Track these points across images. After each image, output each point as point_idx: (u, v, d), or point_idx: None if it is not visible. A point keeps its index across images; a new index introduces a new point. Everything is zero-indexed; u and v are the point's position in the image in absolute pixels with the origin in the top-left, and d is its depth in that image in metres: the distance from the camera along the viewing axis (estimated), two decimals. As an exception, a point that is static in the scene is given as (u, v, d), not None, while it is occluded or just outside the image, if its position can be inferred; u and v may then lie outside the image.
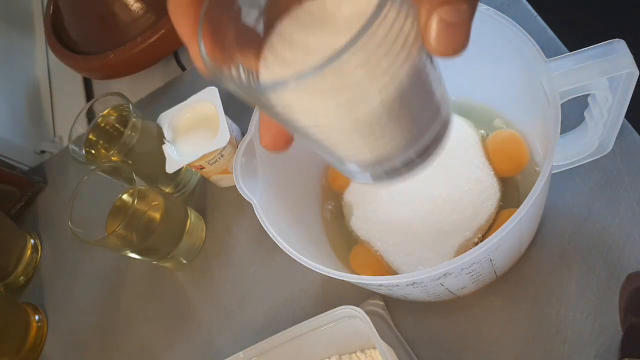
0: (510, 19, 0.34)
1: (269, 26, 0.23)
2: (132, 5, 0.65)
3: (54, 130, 0.79)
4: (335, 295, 0.50)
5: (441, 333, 0.44)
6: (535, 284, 0.43)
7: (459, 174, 0.41)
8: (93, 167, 0.53)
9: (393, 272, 0.43)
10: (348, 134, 0.21)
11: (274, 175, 0.41)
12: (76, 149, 0.56)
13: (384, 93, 0.19)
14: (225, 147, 0.52)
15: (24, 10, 0.89)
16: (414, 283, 0.34)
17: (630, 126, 0.44)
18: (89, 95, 0.80)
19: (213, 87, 0.54)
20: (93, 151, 0.58)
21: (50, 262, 0.67)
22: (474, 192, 0.40)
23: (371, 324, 0.37)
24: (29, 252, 0.67)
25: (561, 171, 0.42)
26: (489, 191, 0.41)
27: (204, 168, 0.54)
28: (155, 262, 0.57)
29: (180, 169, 0.54)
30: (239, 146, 0.39)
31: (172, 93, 0.69)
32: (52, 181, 0.73)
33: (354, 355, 0.44)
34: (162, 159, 0.53)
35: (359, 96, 0.19)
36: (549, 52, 0.32)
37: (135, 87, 0.73)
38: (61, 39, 0.72)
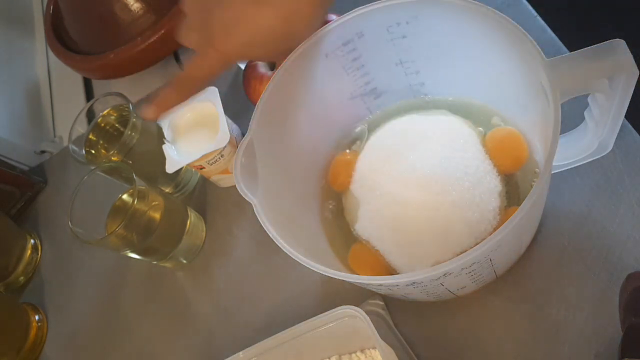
0: (510, 19, 0.34)
1: None
2: (132, 5, 0.65)
3: (54, 130, 0.79)
4: (335, 295, 0.50)
5: (441, 333, 0.44)
6: (535, 284, 0.43)
7: (460, 175, 0.41)
8: (93, 167, 0.53)
9: (393, 272, 0.43)
10: None
11: (274, 175, 0.41)
12: (76, 149, 0.56)
13: None
14: (225, 147, 0.52)
15: (24, 10, 0.89)
16: (414, 283, 0.34)
17: (630, 126, 0.44)
18: (89, 95, 0.80)
19: (213, 87, 0.54)
20: (93, 151, 0.58)
21: (50, 262, 0.67)
22: (476, 194, 0.40)
23: (371, 324, 0.37)
24: (29, 252, 0.66)
25: (561, 171, 0.42)
26: (492, 193, 0.41)
27: (204, 168, 0.54)
28: (155, 262, 0.57)
29: (180, 169, 0.54)
30: (239, 146, 0.39)
31: (172, 93, 0.69)
32: (52, 181, 0.73)
33: (354, 355, 0.44)
34: (162, 159, 0.53)
35: None
36: (549, 52, 0.32)
37: (135, 87, 0.73)
38: (61, 39, 0.72)
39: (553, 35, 0.50)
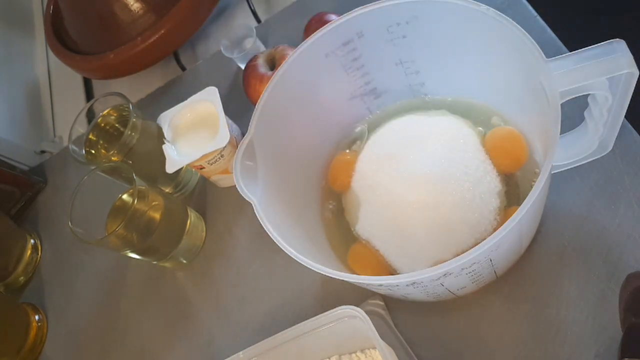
0: (510, 19, 0.34)
1: None
2: (132, 5, 0.65)
3: (54, 130, 0.79)
4: (335, 295, 0.50)
5: (441, 333, 0.44)
6: (535, 284, 0.43)
7: (460, 176, 0.41)
8: (93, 167, 0.53)
9: (393, 272, 0.43)
10: None
11: (274, 175, 0.41)
12: (76, 149, 0.56)
13: None
14: (225, 147, 0.52)
15: (24, 10, 0.89)
16: (414, 283, 0.34)
17: (630, 126, 0.45)
18: (89, 95, 0.80)
19: (213, 87, 0.54)
20: (93, 151, 0.58)
21: (50, 262, 0.67)
22: (476, 194, 0.40)
23: (371, 324, 0.37)
24: (29, 252, 0.66)
25: (561, 171, 0.42)
26: (492, 193, 0.41)
27: (204, 168, 0.54)
28: (155, 262, 0.57)
29: (180, 169, 0.54)
30: (239, 146, 0.39)
31: (172, 93, 0.69)
32: (52, 181, 0.73)
33: (354, 355, 0.44)
34: (162, 159, 0.53)
35: None
36: (549, 52, 0.32)
37: (135, 87, 0.73)
38: (61, 39, 0.72)
39: (553, 35, 0.50)
